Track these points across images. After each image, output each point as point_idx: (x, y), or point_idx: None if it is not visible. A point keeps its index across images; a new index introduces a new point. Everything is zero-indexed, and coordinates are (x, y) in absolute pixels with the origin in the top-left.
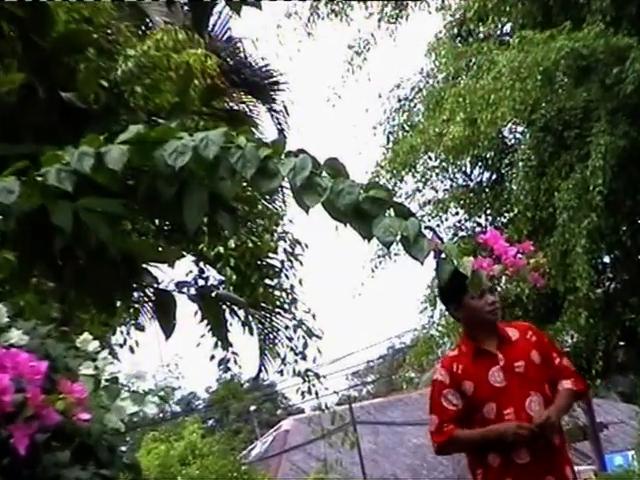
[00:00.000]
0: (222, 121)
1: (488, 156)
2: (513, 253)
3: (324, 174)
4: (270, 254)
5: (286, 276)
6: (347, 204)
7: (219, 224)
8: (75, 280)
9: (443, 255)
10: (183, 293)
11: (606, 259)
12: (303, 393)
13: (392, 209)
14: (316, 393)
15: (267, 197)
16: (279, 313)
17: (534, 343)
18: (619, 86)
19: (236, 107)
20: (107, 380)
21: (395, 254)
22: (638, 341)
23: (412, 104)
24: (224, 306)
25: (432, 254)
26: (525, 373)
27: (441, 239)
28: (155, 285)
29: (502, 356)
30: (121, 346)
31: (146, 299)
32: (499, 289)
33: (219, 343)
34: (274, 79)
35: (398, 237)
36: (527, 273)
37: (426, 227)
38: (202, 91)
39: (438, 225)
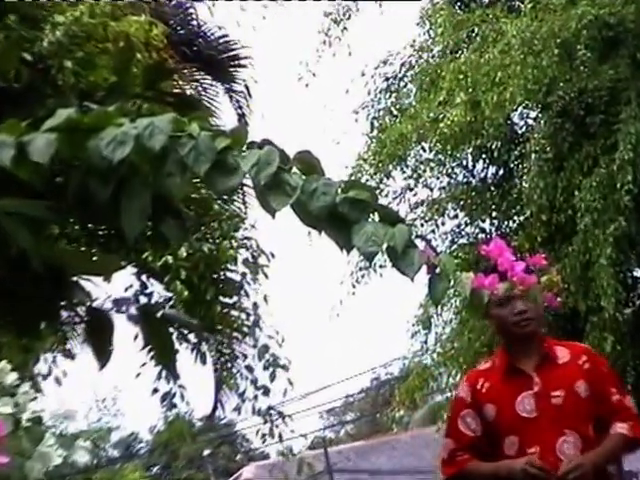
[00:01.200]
0: (170, 105)
1: (494, 147)
2: (522, 268)
3: (294, 170)
4: (229, 265)
5: (247, 293)
6: (322, 207)
7: (164, 233)
8: None
9: (438, 270)
10: (122, 313)
11: (637, 272)
12: (264, 436)
13: (376, 213)
14: (280, 436)
15: (225, 197)
16: (238, 338)
17: (585, 371)
18: None
19: (187, 87)
20: (29, 420)
21: (380, 266)
22: None
23: (402, 83)
24: (171, 329)
25: (424, 268)
26: (563, 405)
27: (435, 250)
28: (88, 303)
29: (539, 380)
30: (45, 377)
31: (77, 320)
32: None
33: (165, 374)
34: (234, 53)
35: (383, 247)
36: (539, 293)
37: (417, 236)
38: (146, 69)
39: (433, 231)
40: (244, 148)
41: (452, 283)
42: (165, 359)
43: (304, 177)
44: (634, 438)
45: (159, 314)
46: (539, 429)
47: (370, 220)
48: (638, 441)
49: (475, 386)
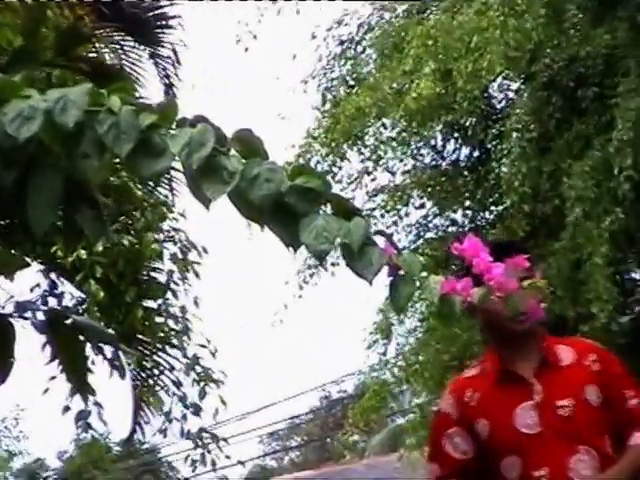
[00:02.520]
0: (86, 74)
1: (468, 124)
2: (500, 271)
3: (232, 153)
4: (153, 262)
5: (175, 294)
6: (264, 196)
7: (78, 224)
8: None
9: (401, 272)
10: (26, 319)
11: (636, 274)
12: (194, 463)
13: (329, 204)
14: (213, 463)
15: (150, 183)
16: (163, 347)
17: (595, 374)
18: None
19: (106, 50)
20: None
21: (333, 264)
22: None
23: (359, 48)
24: (84, 337)
25: (385, 270)
26: (573, 417)
27: (398, 248)
28: None
29: (540, 387)
30: None
31: None
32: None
33: (76, 390)
34: (161, 11)
35: (337, 245)
36: (520, 300)
37: (377, 232)
38: (59, 34)
39: (395, 223)
40: (173, 126)
41: (418, 287)
42: (76, 373)
43: (244, 161)
44: None
45: (69, 321)
46: (546, 447)
47: (321, 212)
48: None
49: (462, 398)
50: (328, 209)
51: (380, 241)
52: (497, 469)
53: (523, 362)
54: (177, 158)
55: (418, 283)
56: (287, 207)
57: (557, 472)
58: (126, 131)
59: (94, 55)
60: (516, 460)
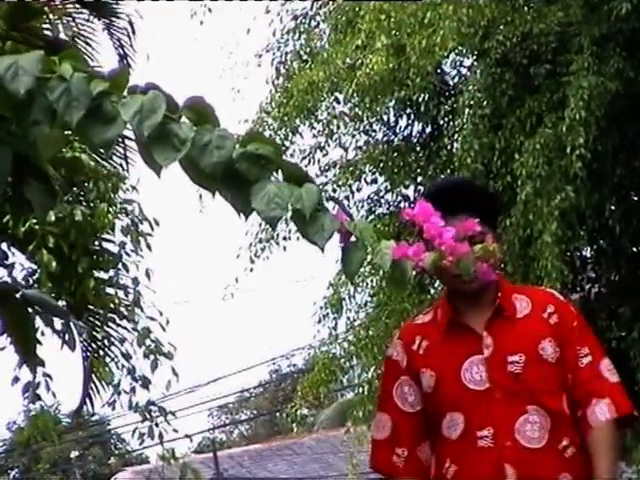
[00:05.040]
0: (39, 49)
1: (420, 100)
2: (451, 235)
3: (184, 120)
4: (105, 233)
5: (126, 266)
6: (216, 163)
7: (27, 197)
8: None
9: (353, 238)
10: None
11: (586, 252)
12: (142, 436)
13: (280, 171)
14: (161, 436)
15: (102, 151)
16: (114, 319)
17: (552, 327)
18: (611, 4)
19: (58, 22)
20: None
21: (284, 238)
22: (630, 368)
23: (313, 23)
24: (33, 310)
25: (337, 236)
26: (524, 374)
27: (350, 215)
28: None
29: (491, 340)
30: None
31: None
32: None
33: (24, 361)
34: None
35: (288, 212)
36: (472, 264)
37: (329, 198)
38: (10, 8)
39: (347, 197)
40: (125, 93)
41: (369, 253)
42: (24, 345)
43: (195, 128)
44: (621, 415)
45: (18, 295)
46: (492, 405)
47: (273, 179)
48: (627, 417)
49: (410, 345)
50: (280, 176)
51: (332, 208)
52: (438, 426)
53: (475, 313)
54: (129, 125)
55: (370, 250)
56: (238, 174)
57: (501, 433)
58: (77, 98)
59: (47, 27)
60: (459, 417)
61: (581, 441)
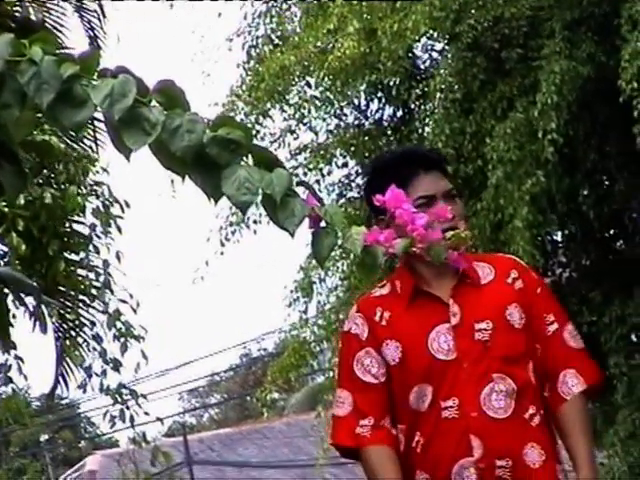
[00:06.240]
0: (10, 31)
1: (392, 84)
2: (423, 222)
3: (154, 104)
4: (76, 215)
5: (97, 248)
6: (186, 147)
7: None
8: None
9: (323, 223)
10: None
11: (557, 236)
12: (113, 419)
13: (251, 155)
14: (131, 419)
15: (72, 134)
16: (85, 301)
17: (518, 292)
18: None
19: (29, 4)
20: None
21: (255, 221)
22: (602, 354)
23: (284, 6)
24: (5, 290)
25: (307, 222)
26: (491, 342)
27: (320, 200)
28: None
29: (458, 308)
30: None
31: None
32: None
33: None
34: None
35: (259, 197)
36: (443, 251)
37: (299, 183)
38: None
39: (318, 182)
40: (95, 76)
41: (340, 239)
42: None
43: (166, 112)
44: (590, 386)
45: None
46: (458, 375)
47: (243, 164)
48: (593, 387)
49: (372, 317)
50: (250, 160)
51: (302, 193)
52: (405, 399)
53: (439, 281)
54: (99, 109)
55: (341, 235)
56: (209, 158)
57: (467, 403)
58: (48, 81)
59: (17, 9)
60: (428, 388)
61: (546, 410)
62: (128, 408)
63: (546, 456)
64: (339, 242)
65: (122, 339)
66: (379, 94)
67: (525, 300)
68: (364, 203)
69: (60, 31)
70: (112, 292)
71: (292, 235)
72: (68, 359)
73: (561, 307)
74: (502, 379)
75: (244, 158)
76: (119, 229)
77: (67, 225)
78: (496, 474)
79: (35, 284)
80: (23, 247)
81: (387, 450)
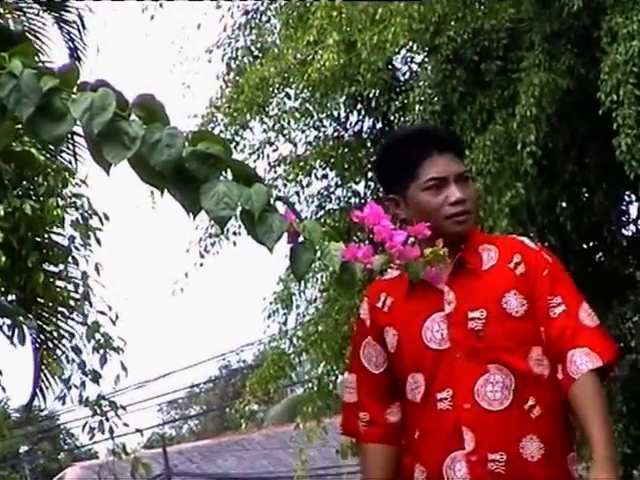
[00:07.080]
0: None
1: (371, 95)
2: (401, 238)
3: (133, 118)
4: (55, 227)
5: (76, 260)
6: (165, 161)
7: None
8: None
9: (301, 239)
10: None
11: None
12: (92, 430)
13: (230, 170)
14: (111, 430)
15: (51, 147)
16: (64, 313)
17: (519, 278)
18: (562, 0)
19: (8, 17)
20: None
21: (234, 233)
22: None
23: (264, 18)
24: None
25: (285, 237)
26: (485, 332)
27: (299, 215)
28: None
29: (453, 296)
30: None
31: None
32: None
33: None
34: None
35: (237, 211)
36: (421, 268)
37: (278, 198)
38: None
39: (297, 193)
40: (75, 90)
41: (318, 254)
42: None
43: (145, 126)
44: (605, 363)
45: None
46: (452, 365)
47: (222, 178)
48: (609, 364)
49: (375, 303)
50: (229, 175)
51: (281, 208)
52: (402, 388)
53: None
54: (79, 122)
55: (319, 251)
56: (188, 172)
57: (460, 395)
58: (27, 95)
59: None
60: (420, 379)
61: (552, 400)
62: (107, 420)
63: (547, 448)
64: (317, 257)
65: (101, 351)
66: (359, 106)
67: (527, 286)
68: (343, 215)
69: (41, 41)
70: (91, 304)
71: (270, 250)
72: (47, 371)
73: (573, 288)
74: (498, 370)
75: (223, 173)
76: (98, 241)
77: (46, 237)
78: (488, 468)
79: (12, 300)
80: (2, 258)
81: (379, 449)
